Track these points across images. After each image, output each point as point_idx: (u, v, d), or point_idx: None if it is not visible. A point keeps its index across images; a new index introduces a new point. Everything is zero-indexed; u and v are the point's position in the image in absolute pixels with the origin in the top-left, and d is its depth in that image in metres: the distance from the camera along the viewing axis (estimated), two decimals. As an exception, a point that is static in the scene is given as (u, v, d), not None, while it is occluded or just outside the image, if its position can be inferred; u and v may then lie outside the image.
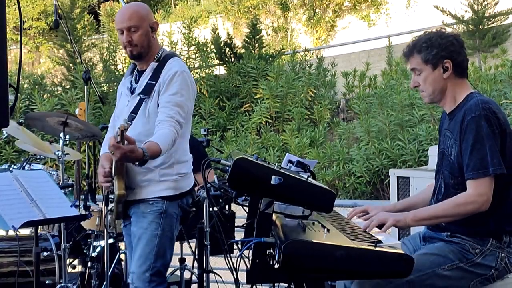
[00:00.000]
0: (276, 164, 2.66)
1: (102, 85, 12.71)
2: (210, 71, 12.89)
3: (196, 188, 3.85)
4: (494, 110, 2.78)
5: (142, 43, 3.42)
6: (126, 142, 3.01)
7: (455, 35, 2.98)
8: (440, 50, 2.88)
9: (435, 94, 2.95)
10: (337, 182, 8.90)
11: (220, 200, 3.97)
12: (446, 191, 2.91)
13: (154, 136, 3.23)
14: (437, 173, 3.04)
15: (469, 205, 2.74)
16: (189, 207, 3.55)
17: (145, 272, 3.33)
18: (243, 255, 2.62)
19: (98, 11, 19.95)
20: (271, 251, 2.56)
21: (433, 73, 2.91)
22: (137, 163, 3.15)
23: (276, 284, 2.83)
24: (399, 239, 3.91)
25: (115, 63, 13.38)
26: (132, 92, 3.50)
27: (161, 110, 3.34)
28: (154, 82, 3.39)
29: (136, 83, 3.51)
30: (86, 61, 13.16)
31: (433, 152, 5.43)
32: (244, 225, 2.68)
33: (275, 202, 2.58)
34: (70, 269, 4.81)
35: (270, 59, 13.25)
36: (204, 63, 12.80)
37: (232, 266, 2.69)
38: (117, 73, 12.88)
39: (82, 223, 4.66)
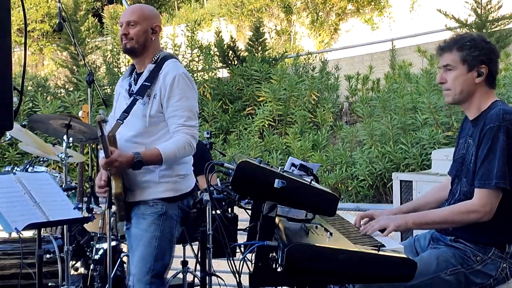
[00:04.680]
0: (279, 167, 2.66)
1: (106, 87, 12.71)
2: (213, 74, 12.88)
3: (199, 192, 3.86)
4: None
5: (137, 38, 3.47)
6: (111, 151, 3.23)
7: (495, 45, 2.94)
8: (482, 53, 2.83)
9: (461, 95, 2.88)
10: (339, 185, 8.89)
11: (223, 203, 3.98)
12: (459, 197, 2.89)
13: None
14: (455, 178, 3.00)
15: (471, 214, 2.74)
16: (189, 209, 3.55)
17: (146, 274, 3.33)
18: (246, 258, 2.62)
19: (102, 14, 19.98)
20: (274, 254, 2.56)
21: (467, 74, 2.84)
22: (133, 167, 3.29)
23: (279, 287, 2.82)
24: (401, 240, 3.91)
25: (119, 66, 13.39)
26: (130, 95, 3.52)
27: (170, 121, 3.39)
28: (149, 84, 3.42)
29: (135, 85, 3.54)
30: (90, 64, 13.17)
31: (436, 156, 5.42)
32: (247, 228, 2.68)
33: (278, 205, 2.58)
34: (72, 272, 4.82)
35: (273, 62, 13.24)
36: (207, 66, 12.79)
37: (235, 269, 2.69)
38: (120, 75, 12.85)
39: (85, 225, 4.67)
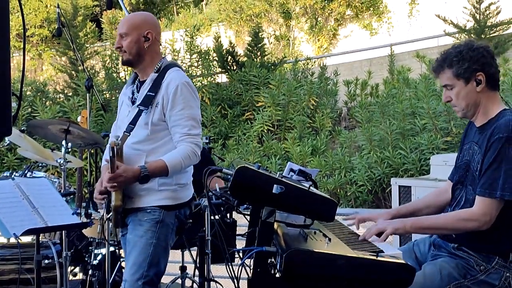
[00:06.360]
0: (278, 172, 2.66)
1: (104, 92, 12.74)
2: (212, 79, 12.91)
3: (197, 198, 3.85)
4: None
5: (130, 50, 3.46)
6: (117, 166, 3.19)
7: (485, 46, 2.90)
8: (472, 63, 2.81)
9: (468, 108, 2.88)
10: (338, 190, 8.89)
11: (222, 208, 3.97)
12: (465, 205, 2.87)
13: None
14: (458, 183, 2.99)
15: (470, 222, 2.72)
16: (186, 219, 3.55)
17: (138, 280, 3.30)
18: (244, 263, 2.62)
19: (101, 19, 20.04)
20: (273, 260, 2.56)
21: (466, 88, 2.83)
22: (139, 181, 3.29)
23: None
24: (400, 246, 3.91)
25: (117, 71, 13.40)
26: (133, 103, 3.51)
27: (174, 130, 3.38)
28: (153, 94, 3.41)
29: (138, 93, 3.53)
30: (89, 69, 13.18)
31: (435, 161, 5.42)
32: (246, 234, 2.68)
33: (276, 211, 2.58)
34: (71, 277, 4.81)
35: (272, 67, 13.27)
36: (206, 71, 12.82)
37: (233, 275, 2.69)
38: (119, 80, 12.91)
39: (84, 231, 4.66)
